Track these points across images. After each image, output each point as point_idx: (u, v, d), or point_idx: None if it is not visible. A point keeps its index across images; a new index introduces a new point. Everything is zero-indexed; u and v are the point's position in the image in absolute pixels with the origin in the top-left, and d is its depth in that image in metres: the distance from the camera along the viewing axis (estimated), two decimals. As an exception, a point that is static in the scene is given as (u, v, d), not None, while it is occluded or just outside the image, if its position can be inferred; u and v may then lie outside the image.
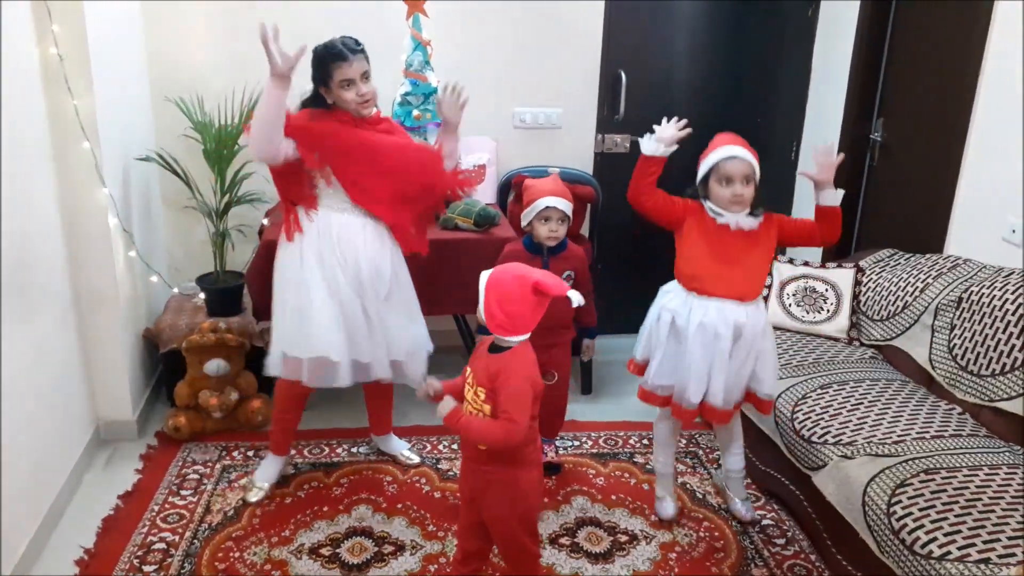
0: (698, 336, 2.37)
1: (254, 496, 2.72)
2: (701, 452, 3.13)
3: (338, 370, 2.57)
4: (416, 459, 2.99)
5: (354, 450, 3.06)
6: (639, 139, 2.43)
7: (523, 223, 2.79)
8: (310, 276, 2.52)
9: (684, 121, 2.38)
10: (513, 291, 1.88)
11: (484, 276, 1.93)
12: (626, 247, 3.96)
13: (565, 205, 2.71)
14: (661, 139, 2.37)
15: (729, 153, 2.32)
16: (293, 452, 3.03)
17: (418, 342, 2.75)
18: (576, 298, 1.89)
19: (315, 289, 2.51)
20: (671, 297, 2.47)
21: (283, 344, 2.59)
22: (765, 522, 2.71)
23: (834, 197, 2.37)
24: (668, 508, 2.69)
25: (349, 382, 2.61)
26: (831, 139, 3.76)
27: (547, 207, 2.69)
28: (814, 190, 2.39)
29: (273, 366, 2.63)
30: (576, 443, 3.15)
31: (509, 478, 2.00)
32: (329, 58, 2.41)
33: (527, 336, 1.95)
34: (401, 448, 3.02)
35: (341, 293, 2.54)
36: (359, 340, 2.59)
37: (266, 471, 2.80)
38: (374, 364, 2.64)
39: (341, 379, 2.59)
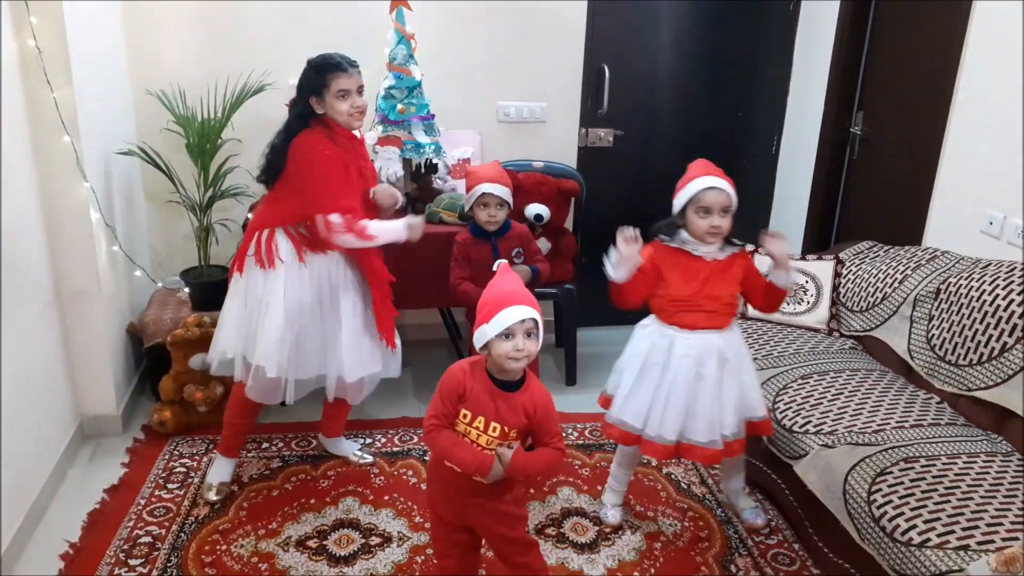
0: (682, 369, 2.34)
1: (213, 495, 2.68)
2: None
3: (282, 388, 2.60)
4: (369, 458, 2.94)
5: (340, 443, 3.06)
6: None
7: (465, 208, 2.93)
8: (273, 296, 2.52)
9: (635, 232, 2.30)
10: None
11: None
12: (610, 240, 3.92)
13: (501, 191, 2.81)
14: (624, 261, 2.30)
15: (709, 184, 2.29)
16: (280, 444, 3.03)
17: (373, 367, 2.71)
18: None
19: (274, 306, 2.52)
20: (650, 331, 2.44)
21: (227, 346, 2.60)
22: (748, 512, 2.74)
23: (787, 280, 2.37)
24: (616, 515, 2.67)
25: (293, 400, 2.64)
26: (812, 132, 3.80)
27: (483, 193, 2.80)
28: (772, 267, 2.37)
29: (219, 365, 2.66)
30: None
31: (513, 498, 2.00)
32: (328, 68, 2.44)
33: None
34: (352, 449, 2.98)
35: (302, 314, 2.55)
36: (308, 360, 2.60)
37: (218, 472, 2.76)
38: (327, 381, 2.67)
39: (287, 396, 2.63)
